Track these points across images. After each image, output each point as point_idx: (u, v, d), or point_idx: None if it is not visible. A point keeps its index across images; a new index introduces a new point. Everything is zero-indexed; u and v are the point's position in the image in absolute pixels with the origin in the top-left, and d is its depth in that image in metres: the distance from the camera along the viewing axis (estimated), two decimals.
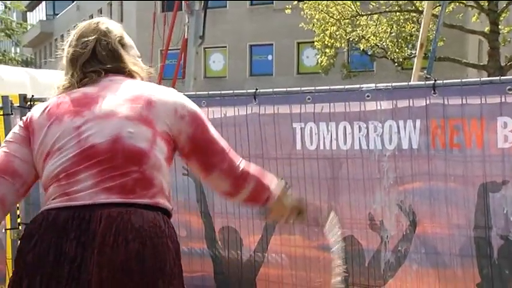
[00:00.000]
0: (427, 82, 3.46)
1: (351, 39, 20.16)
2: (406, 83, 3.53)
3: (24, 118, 2.17)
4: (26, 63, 37.53)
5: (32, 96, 4.27)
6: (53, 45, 42.94)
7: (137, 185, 1.97)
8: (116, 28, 2.22)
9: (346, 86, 3.58)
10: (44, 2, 47.89)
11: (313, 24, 19.90)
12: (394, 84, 3.33)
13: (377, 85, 3.39)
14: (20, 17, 41.53)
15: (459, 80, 3.25)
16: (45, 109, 2.11)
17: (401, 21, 18.85)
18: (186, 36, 11.54)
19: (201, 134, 2.12)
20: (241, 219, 3.80)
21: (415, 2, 17.84)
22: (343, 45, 20.66)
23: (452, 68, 18.46)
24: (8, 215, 4.07)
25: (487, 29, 17.79)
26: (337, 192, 3.53)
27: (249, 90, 3.78)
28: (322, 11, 19.50)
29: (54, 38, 42.67)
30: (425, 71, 7.29)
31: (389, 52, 19.02)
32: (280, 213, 2.32)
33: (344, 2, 19.16)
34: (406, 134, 3.29)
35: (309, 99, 3.50)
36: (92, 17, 2.49)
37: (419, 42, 7.28)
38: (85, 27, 2.21)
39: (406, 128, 3.29)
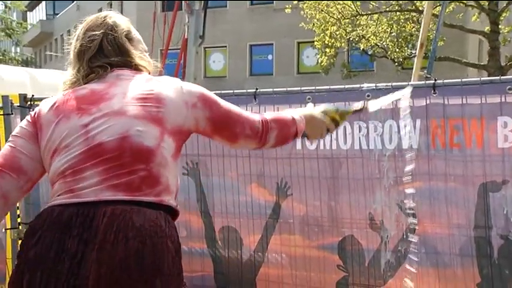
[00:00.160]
0: (427, 82, 3.45)
1: (351, 39, 20.17)
2: (406, 83, 3.52)
3: (32, 113, 2.17)
4: (26, 63, 37.52)
5: (32, 96, 4.26)
6: (53, 45, 42.98)
7: (144, 182, 1.98)
8: (123, 22, 2.22)
9: (346, 86, 3.57)
10: (44, 2, 47.93)
11: (313, 24, 19.91)
12: (394, 83, 3.32)
13: (377, 85, 3.38)
14: (20, 16, 41.50)
15: (459, 80, 3.24)
16: (53, 105, 2.11)
17: (402, 21, 18.86)
18: (186, 36, 11.55)
19: (217, 111, 2.16)
20: (241, 219, 3.80)
21: (415, 1, 17.84)
22: (343, 45, 20.67)
23: (453, 68, 18.49)
24: (8, 214, 4.08)
25: (487, 28, 17.80)
26: (337, 192, 3.53)
27: (249, 90, 3.78)
28: (322, 10, 19.52)
29: (54, 38, 42.71)
30: (425, 71, 7.28)
31: (389, 52, 19.03)
32: (319, 133, 2.41)
33: (344, 1, 19.18)
34: (405, 133, 3.29)
35: (309, 98, 3.50)
36: None
37: (419, 42, 7.27)
38: (92, 21, 2.21)
39: (406, 127, 3.28)
